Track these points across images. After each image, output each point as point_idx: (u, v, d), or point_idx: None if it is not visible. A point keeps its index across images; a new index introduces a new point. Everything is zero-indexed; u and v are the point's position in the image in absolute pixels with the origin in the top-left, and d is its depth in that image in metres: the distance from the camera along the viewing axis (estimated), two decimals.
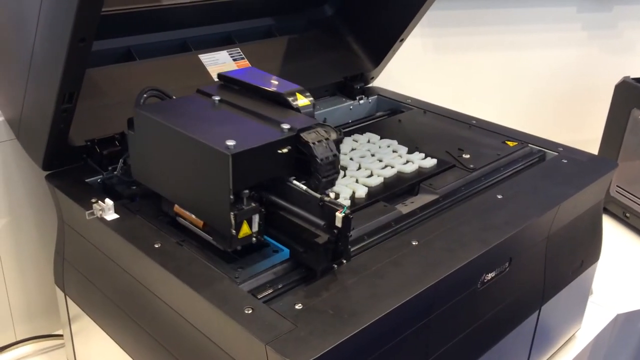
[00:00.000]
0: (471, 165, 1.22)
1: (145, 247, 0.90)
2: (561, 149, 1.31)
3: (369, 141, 1.32)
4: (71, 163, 1.12)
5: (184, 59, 1.32)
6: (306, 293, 0.83)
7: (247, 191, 0.85)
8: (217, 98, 0.99)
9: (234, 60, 1.39)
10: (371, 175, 1.16)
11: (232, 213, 0.83)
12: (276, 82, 1.01)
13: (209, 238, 0.91)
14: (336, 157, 0.90)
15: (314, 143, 0.88)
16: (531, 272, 1.13)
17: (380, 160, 1.22)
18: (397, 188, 1.13)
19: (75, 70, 0.92)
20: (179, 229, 0.97)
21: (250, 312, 0.77)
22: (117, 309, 1.01)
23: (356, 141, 1.32)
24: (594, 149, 1.91)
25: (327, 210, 0.83)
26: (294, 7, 1.58)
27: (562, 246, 1.18)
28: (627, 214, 1.91)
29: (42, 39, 0.92)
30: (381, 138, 1.34)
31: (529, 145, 1.33)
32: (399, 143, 1.31)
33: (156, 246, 0.90)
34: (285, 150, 0.88)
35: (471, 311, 1.00)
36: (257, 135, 0.87)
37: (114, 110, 1.17)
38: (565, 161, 1.25)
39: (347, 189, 1.09)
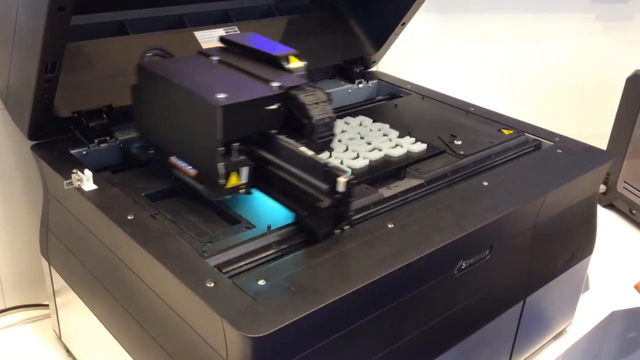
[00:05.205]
0: (462, 152, 1.20)
1: (117, 218, 0.90)
2: (557, 139, 1.28)
3: (360, 124, 1.31)
4: (59, 134, 1.13)
5: (178, 35, 1.31)
6: (272, 270, 0.83)
7: (237, 144, 0.91)
8: (215, 58, 1.04)
9: None
10: (357, 157, 1.15)
11: (221, 163, 0.89)
12: (273, 45, 1.06)
13: (200, 187, 0.96)
14: (332, 119, 0.94)
15: (310, 105, 0.92)
16: (515, 261, 1.11)
17: (369, 143, 1.20)
18: (382, 171, 1.12)
19: (56, 40, 0.92)
20: (155, 201, 0.98)
21: (212, 285, 0.77)
22: (94, 280, 1.02)
23: (347, 124, 1.31)
24: (603, 143, 1.87)
25: (331, 175, 0.85)
26: None
27: (550, 237, 1.16)
28: (634, 211, 1.87)
29: (23, 8, 0.92)
30: (374, 122, 1.32)
31: (525, 134, 1.30)
32: (392, 127, 1.29)
33: (129, 218, 0.91)
34: (274, 107, 0.93)
35: (447, 297, 0.99)
36: (247, 91, 0.93)
37: (104, 84, 1.17)
38: (560, 151, 1.22)
39: None
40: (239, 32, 1.39)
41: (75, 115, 1.11)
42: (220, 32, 1.37)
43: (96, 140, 1.11)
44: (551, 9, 2.07)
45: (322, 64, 1.50)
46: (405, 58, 1.80)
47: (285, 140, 0.92)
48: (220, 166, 0.89)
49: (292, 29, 1.49)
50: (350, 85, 1.53)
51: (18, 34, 0.97)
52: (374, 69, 1.64)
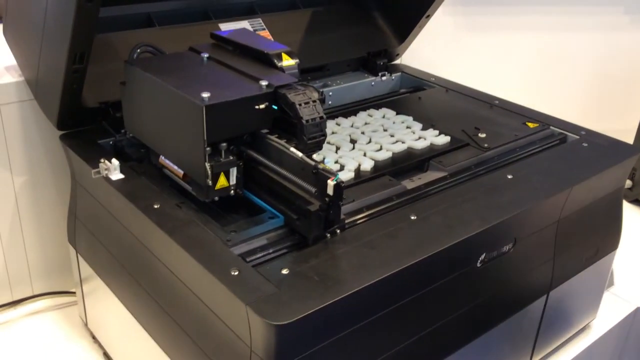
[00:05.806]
0: (485, 145, 1.19)
1: (144, 207, 0.92)
2: (583, 133, 1.27)
3: (384, 116, 1.31)
4: (87, 124, 1.14)
5: (203, 27, 1.32)
6: (295, 259, 0.84)
7: (225, 144, 0.89)
8: (205, 55, 1.02)
9: (255, 31, 1.39)
10: (380, 149, 1.15)
11: (208, 164, 0.88)
12: (265, 43, 1.04)
13: (189, 188, 0.95)
14: (323, 119, 0.90)
15: (300, 104, 0.89)
16: (539, 255, 1.10)
17: (392, 136, 1.20)
18: (405, 163, 1.12)
19: (84, 30, 0.93)
20: (180, 191, 0.99)
21: (236, 274, 0.78)
22: (120, 267, 1.04)
23: (371, 116, 1.31)
24: (630, 138, 1.84)
25: (320, 177, 0.83)
26: None
27: (574, 231, 1.15)
28: None
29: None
30: (397, 114, 1.32)
31: (551, 127, 1.29)
32: (415, 120, 1.29)
33: (155, 207, 0.92)
34: (262, 107, 0.90)
35: (470, 290, 0.99)
36: (234, 90, 0.90)
37: None
38: (586, 145, 1.21)
39: (353, 161, 1.08)
40: (263, 24, 1.40)
41: (103, 105, 1.12)
42: (245, 24, 1.38)
43: (122, 130, 1.13)
44: (579, 1, 2.05)
45: (346, 57, 1.50)
46: (430, 50, 1.79)
47: (275, 140, 0.90)
48: (207, 167, 0.87)
49: (316, 21, 1.49)
50: (373, 78, 1.53)
51: (47, 24, 0.99)
52: (397, 61, 1.64)
